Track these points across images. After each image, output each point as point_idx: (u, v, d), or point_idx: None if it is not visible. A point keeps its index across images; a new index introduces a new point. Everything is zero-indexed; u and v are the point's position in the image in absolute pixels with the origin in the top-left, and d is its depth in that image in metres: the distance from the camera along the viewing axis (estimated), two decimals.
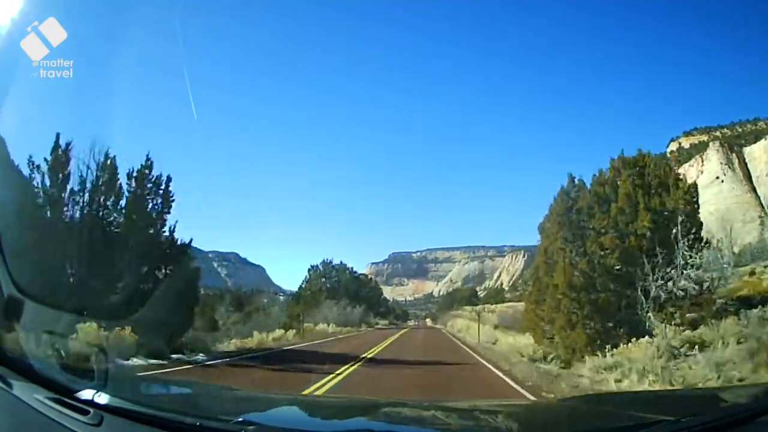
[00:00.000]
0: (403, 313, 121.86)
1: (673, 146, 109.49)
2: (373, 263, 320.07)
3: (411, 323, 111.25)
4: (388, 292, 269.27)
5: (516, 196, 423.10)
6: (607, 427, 1.62)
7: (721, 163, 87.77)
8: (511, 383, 9.26)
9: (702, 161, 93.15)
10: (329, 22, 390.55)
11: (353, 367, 11.12)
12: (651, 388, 6.92)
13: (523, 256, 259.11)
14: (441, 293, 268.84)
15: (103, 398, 1.53)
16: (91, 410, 1.50)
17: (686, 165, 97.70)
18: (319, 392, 7.48)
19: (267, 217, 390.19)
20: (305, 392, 6.85)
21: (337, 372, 9.91)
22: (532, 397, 7.25)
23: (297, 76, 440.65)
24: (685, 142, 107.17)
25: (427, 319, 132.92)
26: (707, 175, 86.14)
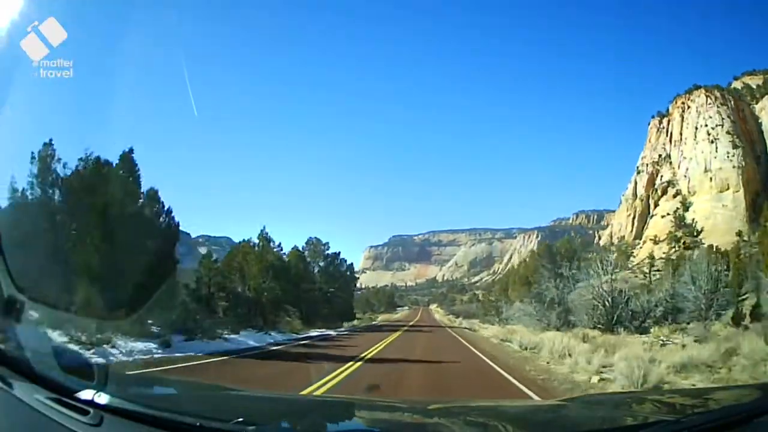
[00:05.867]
0: (366, 299, 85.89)
1: (737, 84, 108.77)
2: (372, 246, 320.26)
3: (406, 312, 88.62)
4: (389, 277, 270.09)
5: (525, 178, 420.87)
6: (607, 427, 1.71)
7: None
8: None
9: None
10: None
11: None
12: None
13: (537, 237, 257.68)
14: (445, 278, 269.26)
15: (103, 398, 1.59)
16: (91, 410, 1.56)
17: None
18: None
19: (262, 201, 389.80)
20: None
21: None
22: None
23: (299, 53, 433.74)
24: (750, 81, 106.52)
25: (431, 306, 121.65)
26: None
